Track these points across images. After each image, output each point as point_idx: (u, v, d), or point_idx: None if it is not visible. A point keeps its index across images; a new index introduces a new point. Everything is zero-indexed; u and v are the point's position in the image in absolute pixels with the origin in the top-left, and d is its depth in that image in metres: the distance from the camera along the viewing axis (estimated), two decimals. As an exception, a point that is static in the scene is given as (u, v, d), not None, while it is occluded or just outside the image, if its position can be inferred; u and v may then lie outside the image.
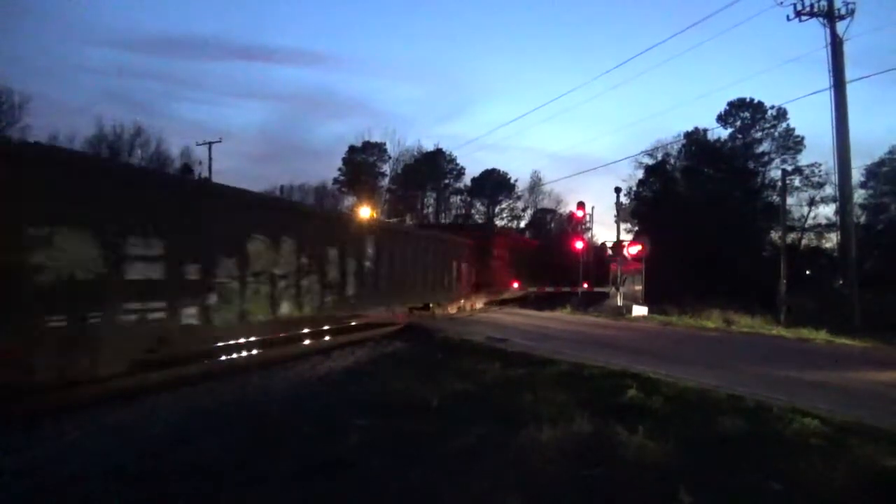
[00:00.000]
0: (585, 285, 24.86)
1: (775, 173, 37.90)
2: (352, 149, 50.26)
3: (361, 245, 11.15)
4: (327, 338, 10.08)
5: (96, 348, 5.56)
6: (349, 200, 47.91)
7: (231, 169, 64.83)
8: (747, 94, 39.53)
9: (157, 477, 3.46)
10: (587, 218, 30.27)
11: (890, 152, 35.01)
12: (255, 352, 8.23)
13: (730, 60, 64.65)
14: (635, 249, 20.01)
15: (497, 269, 21.66)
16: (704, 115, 64.92)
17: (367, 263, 11.29)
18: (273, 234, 8.30)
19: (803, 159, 37.92)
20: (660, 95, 66.31)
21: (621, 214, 23.95)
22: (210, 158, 33.20)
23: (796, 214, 37.58)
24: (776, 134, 39.52)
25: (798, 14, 16.15)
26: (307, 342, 9.56)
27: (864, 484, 3.53)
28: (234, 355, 7.80)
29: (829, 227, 35.94)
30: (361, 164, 49.59)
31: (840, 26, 15.45)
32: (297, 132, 70.38)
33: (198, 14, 78.96)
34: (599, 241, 39.16)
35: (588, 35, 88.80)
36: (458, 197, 52.69)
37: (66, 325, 5.29)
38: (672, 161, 41.15)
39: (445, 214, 51.09)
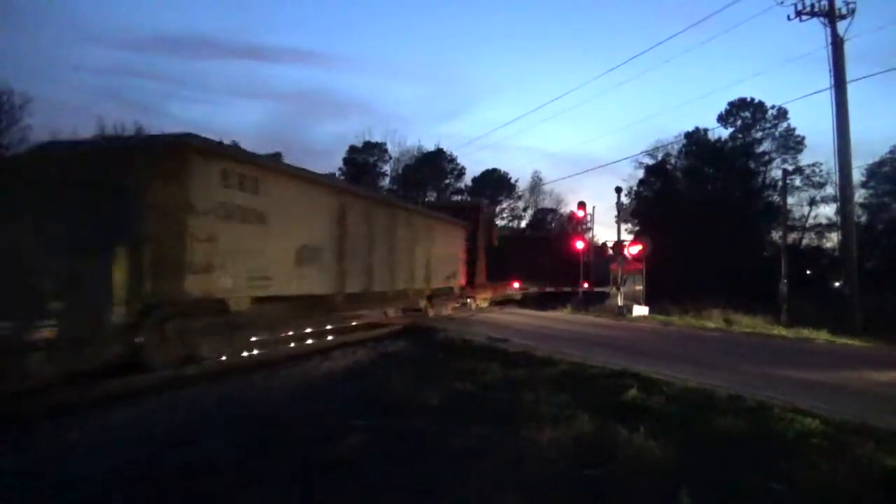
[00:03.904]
0: (586, 285, 24.84)
1: (776, 173, 37.98)
2: (352, 149, 50.21)
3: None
4: (329, 337, 10.08)
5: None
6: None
7: (231, 169, 64.70)
8: (748, 94, 39.63)
9: (156, 477, 3.45)
10: (588, 218, 30.17)
11: (891, 152, 35.09)
12: (255, 352, 8.22)
13: (730, 60, 64.80)
14: (636, 249, 20.00)
15: (494, 266, 21.52)
16: (705, 115, 64.98)
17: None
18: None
19: (804, 159, 38.02)
20: (660, 95, 66.49)
21: (622, 214, 23.89)
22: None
23: (797, 214, 37.67)
24: (777, 134, 39.53)
25: (798, 14, 16.13)
26: (309, 342, 9.56)
27: (865, 484, 3.52)
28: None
29: (830, 226, 35.99)
30: (362, 164, 49.52)
31: (841, 26, 15.43)
32: (297, 132, 70.29)
33: (198, 14, 79.23)
34: (600, 241, 39.16)
35: (588, 35, 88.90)
36: (459, 197, 52.67)
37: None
38: (672, 161, 41.25)
39: (446, 215, 50.93)
